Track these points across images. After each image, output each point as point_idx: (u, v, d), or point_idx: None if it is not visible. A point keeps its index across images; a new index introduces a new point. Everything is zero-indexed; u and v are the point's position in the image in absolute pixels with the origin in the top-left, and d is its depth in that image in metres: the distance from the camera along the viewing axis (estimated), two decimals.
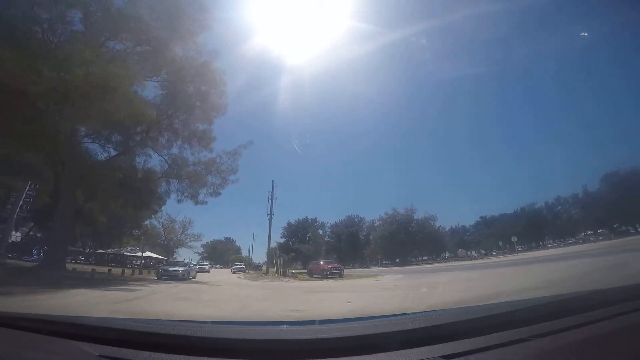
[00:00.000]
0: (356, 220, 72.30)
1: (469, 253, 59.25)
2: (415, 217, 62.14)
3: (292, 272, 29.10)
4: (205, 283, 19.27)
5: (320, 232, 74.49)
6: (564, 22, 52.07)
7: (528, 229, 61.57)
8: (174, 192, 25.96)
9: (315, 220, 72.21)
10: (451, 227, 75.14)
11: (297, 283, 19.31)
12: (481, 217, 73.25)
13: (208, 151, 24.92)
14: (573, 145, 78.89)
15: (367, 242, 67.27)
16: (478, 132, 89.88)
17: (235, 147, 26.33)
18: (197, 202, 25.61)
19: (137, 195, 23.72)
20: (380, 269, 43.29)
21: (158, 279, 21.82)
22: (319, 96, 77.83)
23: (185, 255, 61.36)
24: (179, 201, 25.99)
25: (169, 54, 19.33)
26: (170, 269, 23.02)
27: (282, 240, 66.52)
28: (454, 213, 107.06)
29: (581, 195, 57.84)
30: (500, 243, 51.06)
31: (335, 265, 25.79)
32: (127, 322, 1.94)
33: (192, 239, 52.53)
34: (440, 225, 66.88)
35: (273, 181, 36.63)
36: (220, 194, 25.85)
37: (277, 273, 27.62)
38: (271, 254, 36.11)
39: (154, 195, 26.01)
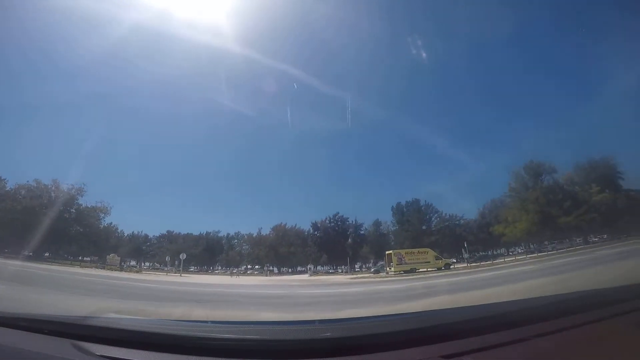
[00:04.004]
0: None
1: (134, 263, 48.86)
2: (80, 202, 43.19)
3: None
4: None
5: None
6: None
7: (205, 252, 62.42)
8: None
9: None
10: (132, 232, 63.26)
11: None
12: (168, 231, 65.15)
13: None
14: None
15: None
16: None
17: None
18: None
19: None
20: None
21: None
22: None
23: None
24: None
25: None
26: None
27: None
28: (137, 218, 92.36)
29: (255, 235, 64.68)
30: (168, 258, 43.87)
31: None
32: (127, 322, 1.81)
33: None
34: (114, 224, 51.71)
35: None
36: None
37: None
38: None
39: None
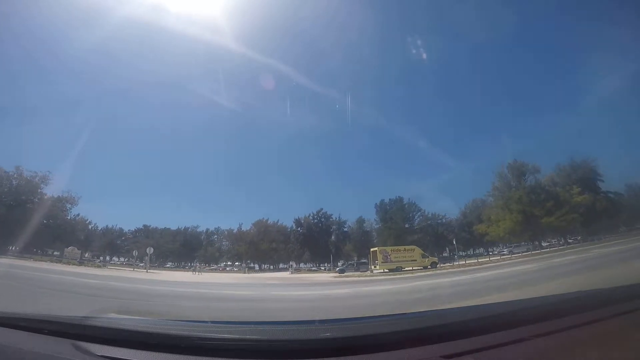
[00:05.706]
0: None
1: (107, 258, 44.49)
2: (45, 192, 38.66)
3: None
4: None
5: None
6: None
7: (183, 247, 58.74)
8: None
9: None
10: (106, 225, 59.13)
11: None
12: (144, 225, 60.70)
13: None
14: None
15: None
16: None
17: None
18: None
19: None
20: None
21: None
22: None
23: None
24: None
25: None
26: None
27: None
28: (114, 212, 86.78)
29: (235, 230, 61.39)
30: (135, 253, 39.73)
31: None
32: (127, 322, 1.78)
33: None
34: (84, 217, 47.16)
35: None
36: None
37: None
38: None
39: None
